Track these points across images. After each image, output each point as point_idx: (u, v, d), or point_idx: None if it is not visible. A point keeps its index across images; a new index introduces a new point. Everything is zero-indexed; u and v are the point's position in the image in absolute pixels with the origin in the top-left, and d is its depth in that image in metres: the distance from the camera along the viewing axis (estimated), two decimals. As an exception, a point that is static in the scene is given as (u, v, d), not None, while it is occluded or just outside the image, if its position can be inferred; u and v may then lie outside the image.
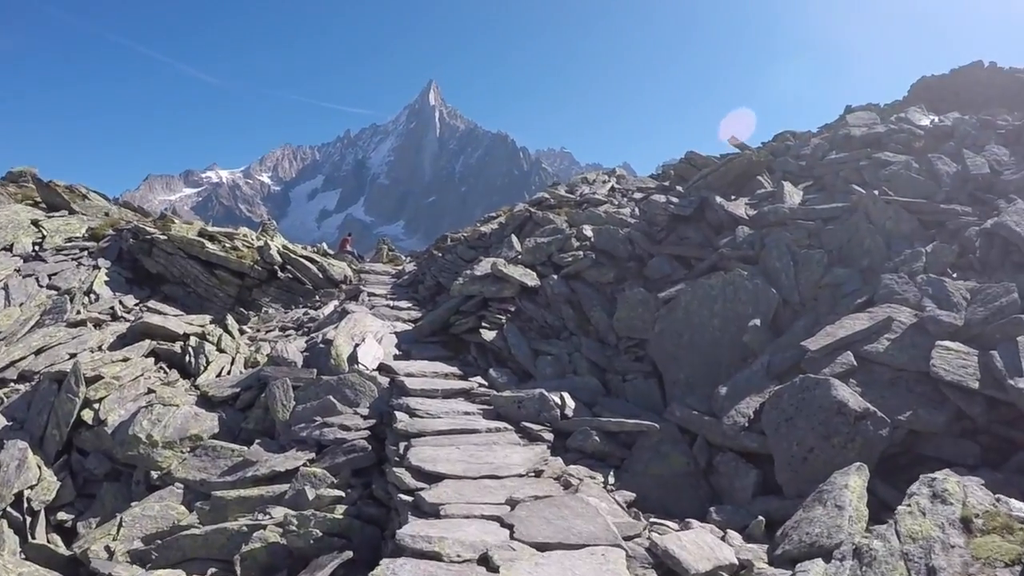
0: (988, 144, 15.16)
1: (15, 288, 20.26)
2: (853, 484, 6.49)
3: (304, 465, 9.88)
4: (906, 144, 16.32)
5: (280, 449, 10.93)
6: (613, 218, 17.46)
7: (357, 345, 13.50)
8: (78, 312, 19.47)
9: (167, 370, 16.45)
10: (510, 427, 9.83)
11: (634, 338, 12.60)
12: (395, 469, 8.15)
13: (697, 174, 18.35)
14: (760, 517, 7.13)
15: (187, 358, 16.39)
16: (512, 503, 6.99)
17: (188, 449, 11.96)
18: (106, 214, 27.22)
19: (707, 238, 14.58)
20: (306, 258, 24.35)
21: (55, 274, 21.72)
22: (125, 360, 15.78)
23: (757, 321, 10.86)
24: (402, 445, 8.94)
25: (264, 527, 8.39)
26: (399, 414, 10.10)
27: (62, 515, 11.23)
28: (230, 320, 20.17)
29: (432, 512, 6.90)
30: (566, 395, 10.66)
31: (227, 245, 24.16)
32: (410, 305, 19.05)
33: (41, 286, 20.91)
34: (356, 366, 12.68)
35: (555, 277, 14.64)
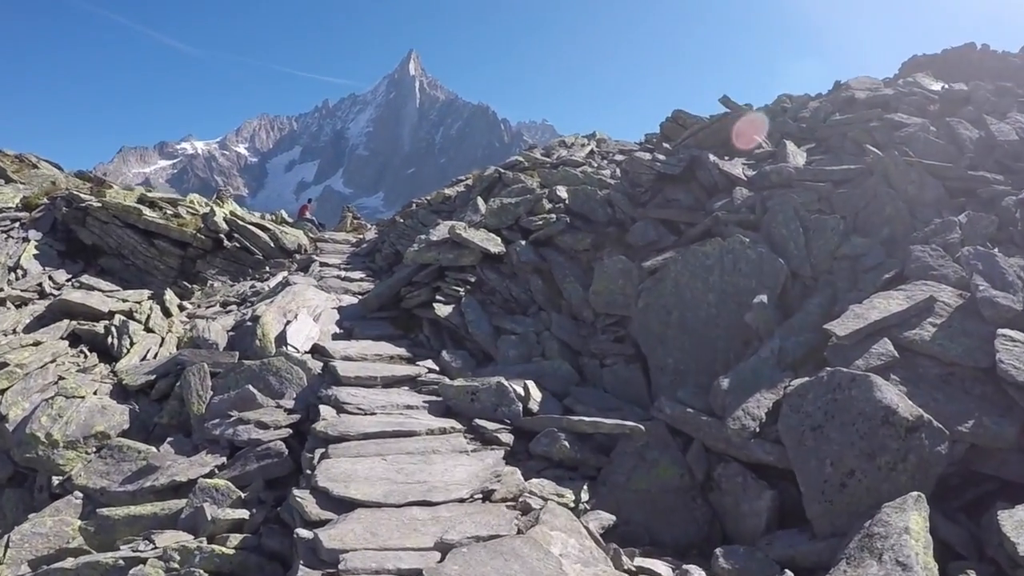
0: (1010, 111, 13.31)
1: None
2: (915, 527, 4.72)
3: (211, 473, 7.96)
4: (919, 107, 14.38)
5: (193, 450, 9.02)
6: (591, 178, 15.50)
7: (288, 323, 11.49)
8: (1, 289, 17.53)
9: (87, 354, 14.50)
10: (459, 426, 7.90)
11: (614, 315, 10.70)
12: (297, 492, 6.19)
13: (682, 136, 16.36)
14: (788, 574, 5.16)
15: (110, 339, 14.48)
16: (444, 548, 5.01)
17: (94, 449, 10.08)
18: (52, 183, 24.80)
19: (698, 200, 12.64)
20: (256, 225, 22.20)
21: None
22: (36, 344, 13.81)
23: (763, 297, 8.92)
24: (318, 453, 7.03)
25: (144, 561, 6.42)
26: (324, 409, 8.20)
27: (-47, 527, 9.83)
28: (168, 295, 18.15)
29: (330, 561, 4.95)
30: (531, 384, 8.79)
31: (168, 212, 21.98)
32: (364, 276, 17.04)
33: None
34: (284, 348, 10.69)
35: (523, 243, 12.70)
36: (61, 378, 12.45)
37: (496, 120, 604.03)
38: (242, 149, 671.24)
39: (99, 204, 20.92)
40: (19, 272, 18.96)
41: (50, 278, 18.82)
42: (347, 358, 10.25)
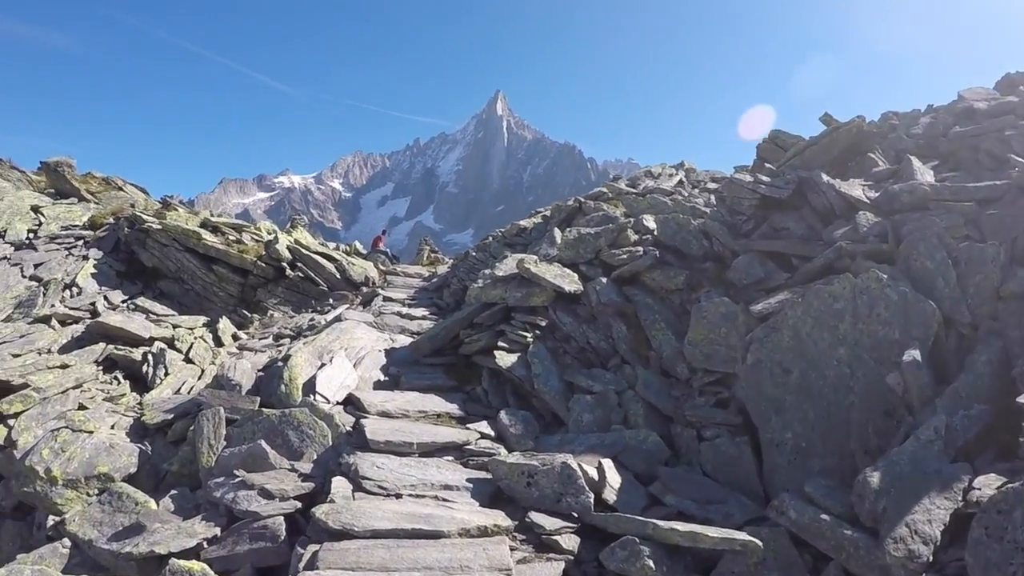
0: None
1: None
2: None
3: (197, 548, 6.27)
4: (1050, 113, 11.94)
5: (193, 510, 7.42)
6: (682, 206, 13.52)
7: (322, 367, 9.75)
8: (53, 306, 16.62)
9: (121, 381, 13.36)
10: (507, 522, 5.91)
11: (715, 372, 8.58)
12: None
13: (785, 156, 14.15)
14: None
15: (145, 368, 13.26)
16: None
17: (96, 491, 8.78)
18: (131, 205, 24.10)
19: (812, 229, 10.46)
20: (322, 255, 20.83)
21: (41, 264, 19.22)
22: (63, 367, 12.76)
23: (915, 353, 6.74)
24: (308, 552, 5.24)
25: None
26: (337, 483, 6.48)
27: (-50, 555, 8.69)
28: (223, 323, 16.93)
29: None
30: (607, 464, 6.78)
31: (230, 238, 20.87)
32: (427, 313, 15.35)
33: (24, 276, 18.48)
34: (312, 397, 8.94)
35: (604, 281, 10.75)
36: (82, 406, 11.37)
37: (583, 159, 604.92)
38: (337, 184, 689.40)
39: (159, 226, 19.93)
40: (74, 290, 18.18)
41: (105, 298, 18.07)
42: (384, 414, 8.48)
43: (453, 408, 9.15)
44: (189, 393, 11.89)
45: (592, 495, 6.19)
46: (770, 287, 9.39)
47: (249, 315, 19.13)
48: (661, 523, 5.43)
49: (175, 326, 16.88)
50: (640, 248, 11.34)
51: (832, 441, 7.03)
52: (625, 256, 11.21)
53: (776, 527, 5.73)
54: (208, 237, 19.90)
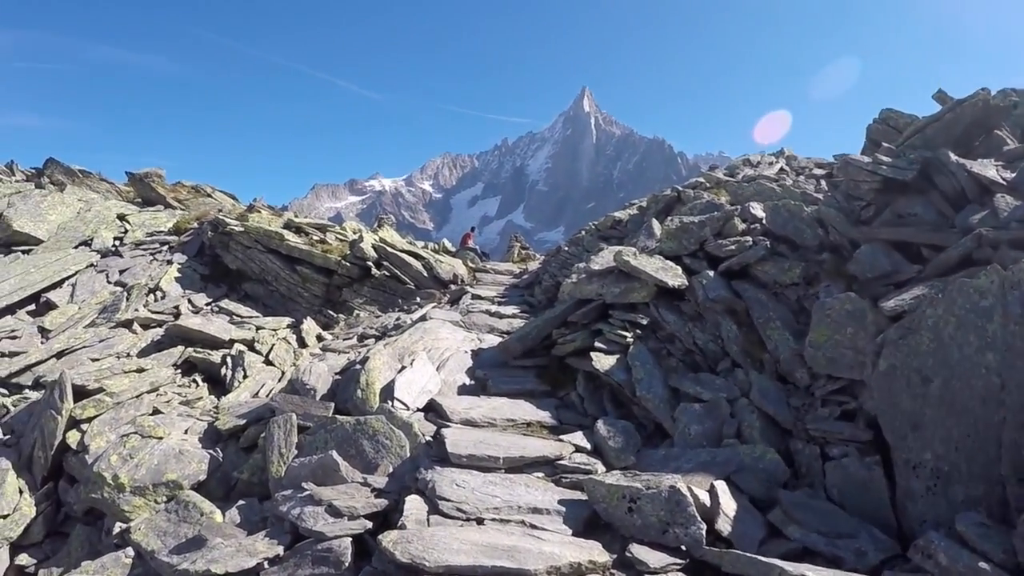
0: None
1: (82, 284, 18.22)
2: None
3: (256, 568, 5.72)
4: None
5: (260, 523, 6.94)
6: (791, 192, 12.46)
7: (403, 369, 9.14)
8: (136, 311, 16.66)
9: (199, 383, 13.16)
10: (603, 558, 5.07)
11: (840, 378, 7.48)
12: None
13: (902, 136, 12.82)
14: None
15: (223, 371, 13.03)
16: None
17: (164, 498, 8.49)
18: (219, 211, 24.32)
19: (941, 215, 9.27)
20: (409, 253, 20.41)
21: (126, 270, 19.47)
22: (139, 371, 12.61)
23: (1088, 362, 5.68)
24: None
25: None
26: (411, 503, 5.83)
27: (25, 558, 9.07)
28: (307, 324, 16.65)
29: None
30: (721, 487, 5.90)
31: (313, 239, 20.65)
32: (517, 311, 14.63)
33: (109, 282, 18.76)
34: (390, 403, 8.32)
35: (710, 274, 9.78)
36: (156, 410, 11.16)
37: (673, 153, 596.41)
38: (427, 186, 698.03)
39: (241, 228, 19.85)
40: (158, 294, 18.24)
41: (189, 301, 18.08)
42: (468, 422, 7.79)
43: (545, 416, 8.37)
44: (268, 396, 11.50)
45: (704, 525, 5.29)
46: (899, 281, 8.29)
47: (335, 315, 18.84)
48: (789, 568, 4.48)
49: (258, 328, 16.67)
50: (749, 239, 10.37)
51: (978, 464, 5.94)
52: (733, 247, 10.22)
53: (921, 573, 4.79)
54: (291, 238, 19.70)
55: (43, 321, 15.89)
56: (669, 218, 11.70)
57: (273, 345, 14.47)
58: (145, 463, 8.79)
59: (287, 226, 21.18)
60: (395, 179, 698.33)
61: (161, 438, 9.42)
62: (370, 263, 19.49)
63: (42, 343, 14.78)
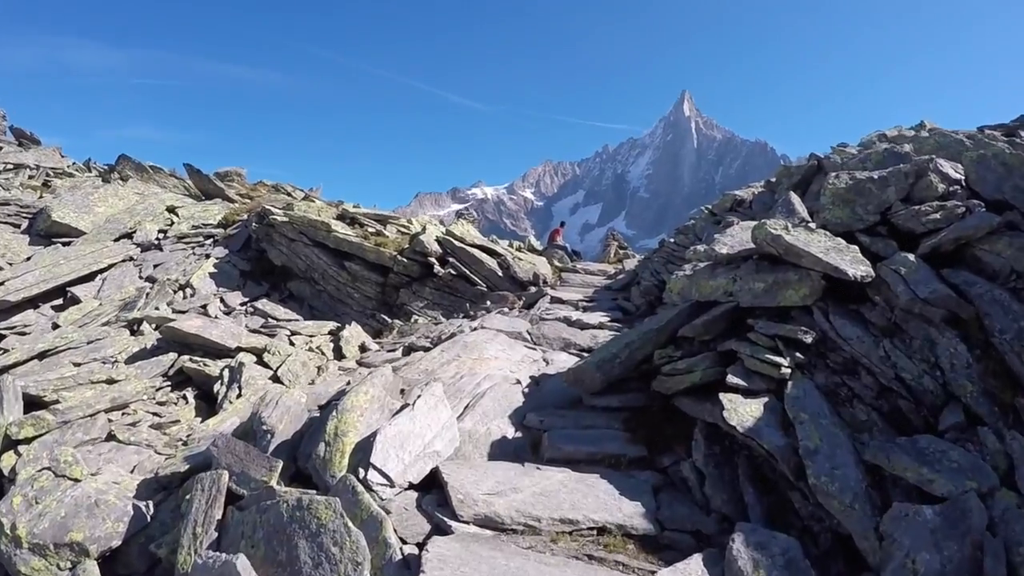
0: None
1: (112, 279, 16.23)
2: None
3: None
4: None
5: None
6: (989, 145, 8.37)
7: (400, 411, 5.49)
8: (157, 308, 14.17)
9: (188, 401, 10.55)
10: None
11: None
12: None
13: None
14: None
15: (217, 386, 10.36)
16: None
17: (69, 565, 5.63)
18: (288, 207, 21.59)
19: None
20: (482, 248, 16.80)
21: (160, 264, 17.25)
22: (109, 382, 10.10)
23: None
24: None
25: None
26: None
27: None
28: (349, 330, 13.42)
29: None
30: None
31: (368, 231, 17.32)
32: (606, 319, 10.83)
33: (141, 277, 16.56)
34: (364, 472, 4.75)
35: (911, 258, 5.95)
36: (112, 435, 8.74)
37: (775, 156, 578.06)
38: (528, 194, 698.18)
39: (285, 219, 16.70)
40: (187, 291, 15.67)
41: (221, 300, 15.61)
42: (489, 522, 4.32)
43: (634, 513, 4.63)
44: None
45: None
46: None
47: (389, 321, 15.52)
48: None
49: (293, 333, 13.67)
50: (957, 204, 6.47)
51: None
52: (938, 215, 6.47)
53: None
54: (339, 229, 16.44)
55: (59, 317, 14.03)
56: (835, 175, 7.66)
57: (288, 357, 11.21)
58: (50, 513, 5.79)
59: (341, 217, 17.98)
60: (497, 187, 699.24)
61: (78, 479, 6.21)
62: (433, 259, 16.03)
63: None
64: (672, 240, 13.61)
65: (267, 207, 17.89)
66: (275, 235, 16.98)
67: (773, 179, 12.94)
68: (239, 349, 11.46)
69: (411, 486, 4.88)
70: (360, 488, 4.47)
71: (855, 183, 7.11)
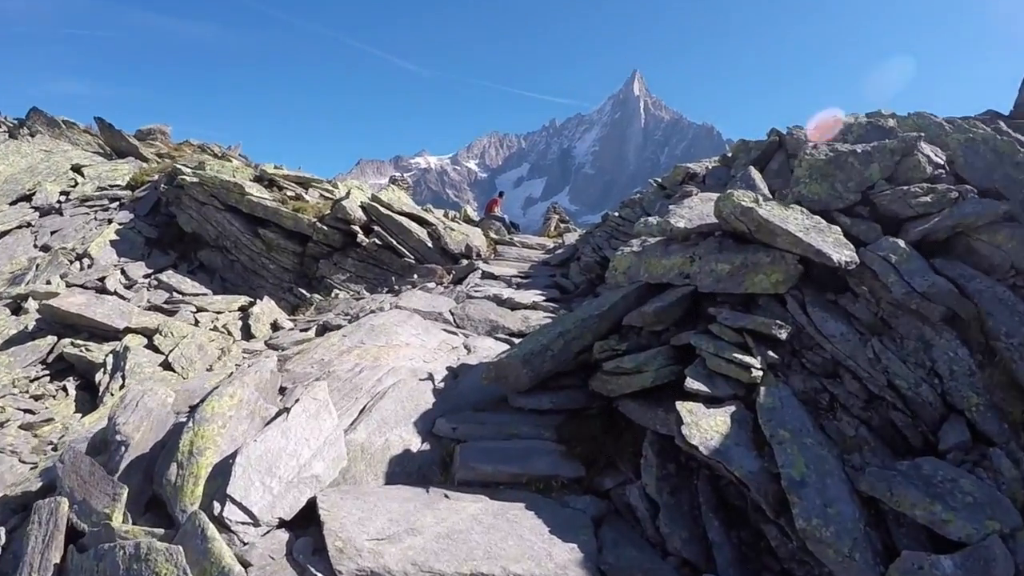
0: None
1: (5, 248, 14.64)
2: None
3: None
4: None
5: None
6: (972, 129, 7.51)
7: (274, 419, 4.28)
8: (48, 282, 12.64)
9: (68, 392, 9.15)
10: None
11: None
12: None
13: None
14: None
15: (99, 376, 8.53)
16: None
17: None
18: (200, 166, 20.01)
19: None
20: (410, 216, 15.53)
21: (58, 231, 15.53)
22: None
23: None
24: None
25: None
26: None
27: None
28: (260, 306, 12.15)
29: None
30: None
31: (288, 195, 15.90)
32: (540, 298, 9.74)
33: (36, 246, 14.96)
34: (220, 507, 3.55)
35: (901, 244, 5.04)
36: None
37: (721, 140, 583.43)
38: (473, 165, 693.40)
39: (195, 179, 15.18)
40: (85, 262, 13.94)
41: (122, 272, 14.04)
42: None
43: (568, 560, 3.50)
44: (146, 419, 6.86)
45: None
46: None
47: (308, 295, 14.22)
48: None
49: (199, 309, 12.34)
50: (949, 188, 5.58)
51: None
52: (928, 198, 5.57)
53: None
54: (254, 192, 14.96)
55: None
56: (812, 148, 6.65)
57: (183, 339, 9.88)
58: None
59: (259, 179, 16.50)
60: (441, 157, 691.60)
61: None
62: (356, 228, 14.72)
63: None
64: (617, 214, 12.52)
65: (177, 167, 16.33)
66: (185, 198, 15.46)
67: (729, 154, 11.94)
68: (128, 331, 10.11)
69: (282, 523, 3.70)
70: (212, 531, 3.31)
71: (836, 155, 6.11)
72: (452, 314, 8.29)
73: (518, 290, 10.50)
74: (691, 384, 4.22)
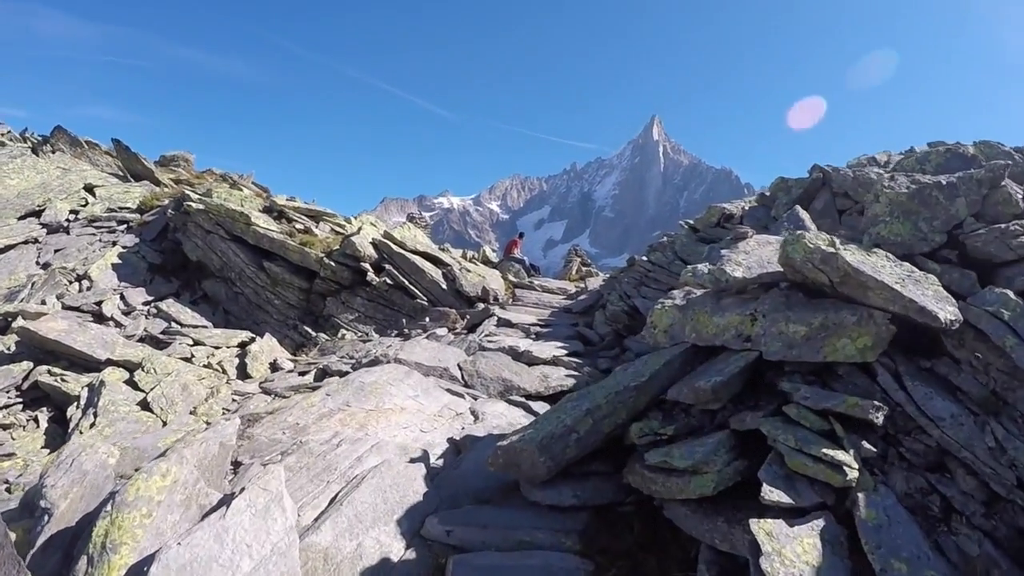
0: None
1: (6, 263, 14.06)
2: None
3: None
4: None
5: None
6: None
7: (212, 511, 3.23)
8: (43, 303, 12.19)
9: (38, 424, 8.42)
10: None
11: None
12: None
13: None
14: None
15: (71, 411, 8.30)
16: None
17: None
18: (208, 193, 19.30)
19: None
20: (425, 256, 14.59)
21: (61, 250, 14.84)
22: None
23: None
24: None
25: None
26: None
27: None
28: (259, 344, 11.29)
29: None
30: None
31: (297, 227, 15.02)
32: (561, 351, 8.69)
33: (38, 263, 14.28)
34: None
35: (1011, 297, 3.90)
36: None
37: (739, 184, 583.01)
38: (494, 206, 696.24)
39: (200, 206, 14.36)
40: (84, 284, 13.34)
41: (121, 297, 13.28)
42: None
43: None
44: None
45: None
46: None
47: (313, 334, 13.28)
48: None
49: (196, 343, 11.47)
50: None
51: None
52: None
53: None
54: (260, 222, 14.10)
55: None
56: (888, 178, 5.62)
57: (167, 376, 8.95)
58: None
59: (268, 209, 15.64)
60: (464, 198, 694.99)
61: None
62: (366, 265, 13.77)
63: None
64: (645, 258, 11.48)
65: (186, 192, 15.54)
66: (191, 225, 14.65)
67: (767, 192, 10.92)
68: (109, 362, 9.19)
69: None
70: None
71: (919, 188, 5.09)
72: (460, 369, 7.26)
73: (536, 340, 9.47)
74: (769, 495, 3.14)
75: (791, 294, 4.25)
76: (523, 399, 6.39)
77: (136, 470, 4.32)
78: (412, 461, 4.39)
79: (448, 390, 6.27)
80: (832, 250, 3.86)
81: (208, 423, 8.00)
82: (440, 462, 4.60)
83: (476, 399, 6.25)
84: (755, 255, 4.94)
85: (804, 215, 8.02)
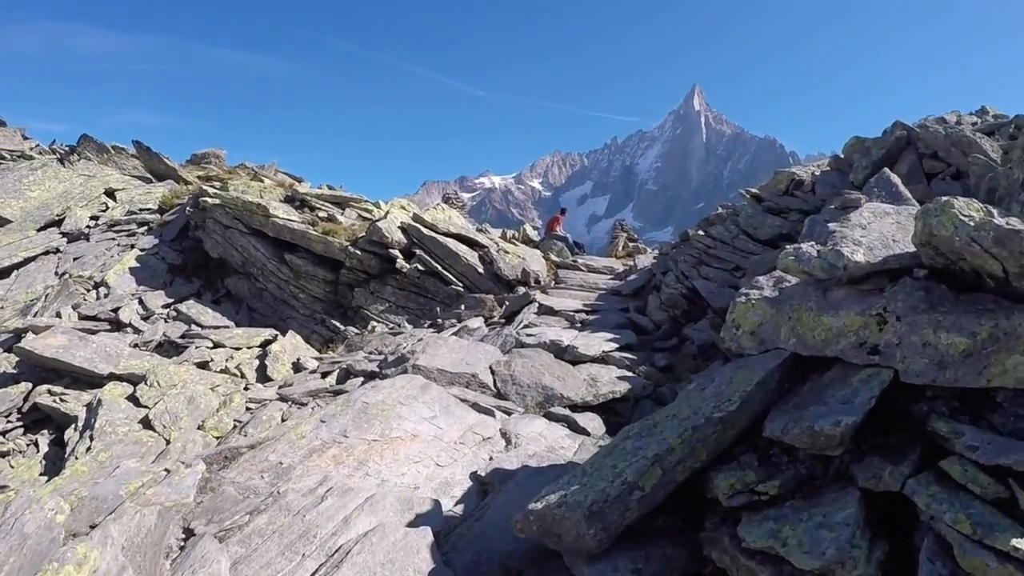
0: None
1: (27, 276, 13.55)
2: None
3: None
4: None
5: None
6: None
7: None
8: (57, 314, 11.33)
9: (38, 448, 7.73)
10: None
11: None
12: None
13: None
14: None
15: (68, 433, 7.56)
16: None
17: None
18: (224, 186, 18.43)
19: None
20: (459, 238, 13.52)
21: (79, 257, 14.17)
22: None
23: None
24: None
25: None
26: None
27: None
28: (280, 344, 10.45)
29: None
30: None
31: (320, 215, 14.05)
32: (613, 345, 7.56)
33: (57, 273, 13.66)
34: None
35: None
36: None
37: (784, 153, 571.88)
38: (536, 184, 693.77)
39: (217, 200, 13.48)
40: (101, 291, 12.71)
41: (140, 302, 12.52)
42: None
43: None
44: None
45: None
46: None
47: (342, 328, 12.35)
48: None
49: (216, 344, 10.60)
50: None
51: None
52: None
53: None
54: (279, 213, 13.14)
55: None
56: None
57: (171, 389, 8.09)
58: None
59: (290, 199, 14.70)
60: (504, 176, 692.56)
61: None
62: (395, 252, 12.74)
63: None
64: (702, 232, 10.26)
65: (204, 187, 14.66)
66: (209, 221, 13.79)
67: (841, 155, 9.63)
68: (112, 377, 8.35)
69: None
70: None
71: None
72: (492, 373, 6.19)
73: (582, 331, 8.35)
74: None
75: (932, 287, 3.06)
76: (566, 411, 5.29)
77: (92, 527, 3.34)
78: (416, 521, 3.30)
79: (474, 405, 5.18)
80: (1004, 225, 2.67)
81: (218, 438, 7.11)
82: (459, 508, 3.55)
83: (509, 415, 5.18)
84: (875, 231, 3.69)
85: (896, 179, 6.79)
